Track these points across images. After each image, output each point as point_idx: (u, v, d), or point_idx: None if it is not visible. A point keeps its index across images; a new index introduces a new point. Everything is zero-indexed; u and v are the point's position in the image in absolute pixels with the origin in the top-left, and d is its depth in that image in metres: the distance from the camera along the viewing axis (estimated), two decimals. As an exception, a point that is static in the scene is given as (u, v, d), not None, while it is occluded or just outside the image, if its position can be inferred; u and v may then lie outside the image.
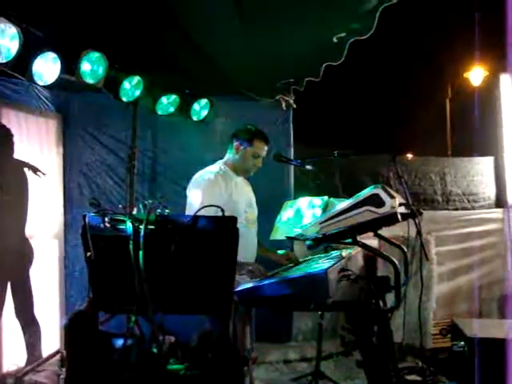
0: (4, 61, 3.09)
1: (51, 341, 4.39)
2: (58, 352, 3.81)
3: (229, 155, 3.32)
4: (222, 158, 3.38)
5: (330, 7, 3.53)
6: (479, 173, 6.45)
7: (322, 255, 3.01)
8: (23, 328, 4.14)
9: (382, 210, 2.40)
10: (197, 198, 3.01)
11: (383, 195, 2.40)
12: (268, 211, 3.55)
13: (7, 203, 4.04)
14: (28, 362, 4.01)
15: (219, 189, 3.08)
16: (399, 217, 2.44)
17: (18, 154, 4.20)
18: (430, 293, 4.71)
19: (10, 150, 4.15)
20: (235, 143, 3.26)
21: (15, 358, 4.01)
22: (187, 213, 3.02)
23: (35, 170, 4.34)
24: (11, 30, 3.06)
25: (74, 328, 1.85)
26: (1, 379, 3.52)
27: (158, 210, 1.97)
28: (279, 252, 3.39)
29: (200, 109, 4.70)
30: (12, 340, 4.06)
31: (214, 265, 1.93)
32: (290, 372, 4.39)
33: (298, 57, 4.23)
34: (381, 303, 2.60)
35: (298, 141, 5.18)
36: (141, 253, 1.81)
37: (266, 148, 3.28)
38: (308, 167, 3.24)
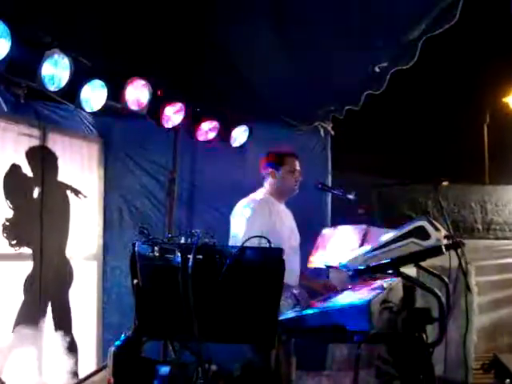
0: (56, 89, 3.21)
1: (88, 361, 4.44)
2: (96, 372, 3.84)
3: (267, 183, 3.38)
4: (259, 184, 3.43)
5: (373, 36, 3.55)
6: (521, 201, 6.33)
7: (361, 285, 2.98)
8: (62, 348, 4.21)
9: (427, 243, 2.39)
10: (241, 227, 3.05)
11: (428, 227, 2.39)
12: (305, 238, 3.55)
13: (50, 223, 4.14)
14: (67, 383, 4.06)
15: (263, 217, 3.12)
16: (444, 249, 2.42)
17: (61, 177, 4.32)
18: (470, 325, 4.58)
19: (54, 172, 4.27)
20: (269, 170, 3.33)
21: (55, 378, 4.05)
22: (231, 240, 3.06)
23: (77, 192, 4.44)
24: (64, 61, 3.18)
25: (122, 355, 1.87)
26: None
27: (205, 240, 2.00)
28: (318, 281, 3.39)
29: (239, 135, 4.75)
30: (51, 360, 4.12)
31: (259, 295, 1.94)
32: (325, 402, 4.31)
33: (338, 85, 4.24)
34: (424, 336, 2.56)
35: (335, 168, 5.17)
36: (189, 282, 1.83)
37: (296, 161, 3.38)
38: (350, 197, 3.23)
